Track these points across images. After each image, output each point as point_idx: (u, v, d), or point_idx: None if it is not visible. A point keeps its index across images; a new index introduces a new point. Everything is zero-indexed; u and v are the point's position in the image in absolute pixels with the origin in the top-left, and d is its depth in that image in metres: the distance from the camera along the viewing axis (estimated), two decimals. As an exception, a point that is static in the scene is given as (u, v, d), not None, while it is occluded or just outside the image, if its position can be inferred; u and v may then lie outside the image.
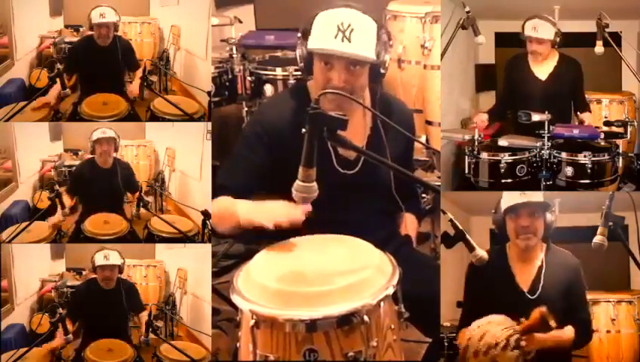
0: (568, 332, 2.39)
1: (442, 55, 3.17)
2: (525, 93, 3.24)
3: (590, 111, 3.30)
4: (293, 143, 2.01)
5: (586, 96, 3.30)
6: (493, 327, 2.28)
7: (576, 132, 2.99)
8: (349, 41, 2.14)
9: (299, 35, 2.28)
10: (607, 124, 3.19)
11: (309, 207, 2.07)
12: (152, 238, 3.00)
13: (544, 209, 2.48)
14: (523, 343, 2.24)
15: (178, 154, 3.19)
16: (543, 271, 2.48)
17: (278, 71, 3.60)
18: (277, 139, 2.30)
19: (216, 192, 2.36)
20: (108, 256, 2.86)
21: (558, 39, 3.13)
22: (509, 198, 2.49)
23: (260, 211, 2.15)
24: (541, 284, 2.45)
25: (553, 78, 3.20)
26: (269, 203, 2.15)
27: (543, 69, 3.22)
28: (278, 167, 2.25)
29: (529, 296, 2.45)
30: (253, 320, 1.85)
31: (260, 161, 2.32)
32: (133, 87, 3.00)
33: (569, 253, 2.54)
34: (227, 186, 2.32)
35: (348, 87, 2.18)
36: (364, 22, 2.18)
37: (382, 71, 2.29)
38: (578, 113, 3.25)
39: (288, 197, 2.02)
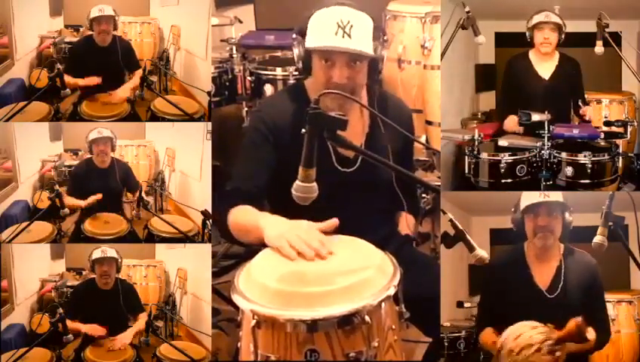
0: (591, 336, 2.37)
1: (442, 55, 3.17)
2: (528, 92, 3.23)
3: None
4: (294, 142, 2.00)
5: (586, 96, 3.30)
6: (528, 330, 2.25)
7: (576, 132, 2.99)
8: (350, 37, 2.15)
9: (293, 35, 2.28)
10: (607, 124, 3.18)
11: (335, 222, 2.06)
12: (152, 238, 3.01)
13: (562, 209, 2.49)
14: (558, 353, 2.21)
15: (178, 154, 3.19)
16: (563, 270, 2.49)
17: (278, 71, 3.60)
18: (280, 137, 2.30)
19: (229, 197, 2.29)
20: (105, 250, 2.87)
21: (562, 36, 3.14)
22: (529, 197, 2.49)
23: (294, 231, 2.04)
24: (561, 284, 2.46)
25: (555, 77, 3.20)
26: (295, 222, 2.08)
27: (545, 68, 3.22)
28: (282, 166, 2.25)
29: (547, 295, 2.46)
30: (255, 321, 1.85)
31: (269, 159, 2.30)
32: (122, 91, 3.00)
33: (586, 253, 2.53)
34: (242, 189, 2.28)
35: (350, 84, 2.19)
36: (361, 18, 2.19)
37: (380, 66, 2.29)
38: (580, 105, 3.22)
39: (288, 197, 2.01)
